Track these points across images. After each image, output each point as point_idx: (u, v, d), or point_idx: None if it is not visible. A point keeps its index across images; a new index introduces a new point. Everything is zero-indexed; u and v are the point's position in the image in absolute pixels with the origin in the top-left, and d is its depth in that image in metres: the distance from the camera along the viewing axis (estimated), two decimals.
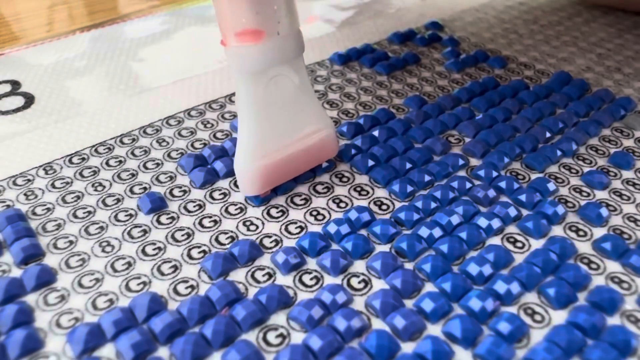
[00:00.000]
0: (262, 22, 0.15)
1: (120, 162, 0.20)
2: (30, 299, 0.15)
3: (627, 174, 0.20)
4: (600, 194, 0.19)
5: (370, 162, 0.19)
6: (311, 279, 0.16)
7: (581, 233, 0.17)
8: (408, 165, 0.19)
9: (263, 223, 0.17)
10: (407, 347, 0.14)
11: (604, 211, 0.18)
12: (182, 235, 0.17)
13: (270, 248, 0.17)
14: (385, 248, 0.17)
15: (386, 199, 0.18)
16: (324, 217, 0.18)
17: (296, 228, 0.17)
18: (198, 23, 0.30)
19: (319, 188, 0.19)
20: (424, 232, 0.17)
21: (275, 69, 0.16)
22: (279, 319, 0.15)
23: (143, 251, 0.16)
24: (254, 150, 0.17)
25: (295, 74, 0.17)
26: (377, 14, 0.31)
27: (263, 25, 0.15)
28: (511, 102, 0.23)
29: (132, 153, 0.20)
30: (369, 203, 0.18)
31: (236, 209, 0.18)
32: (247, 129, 0.17)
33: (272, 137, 0.17)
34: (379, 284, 0.16)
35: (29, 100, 0.23)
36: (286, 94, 0.17)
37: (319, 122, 0.18)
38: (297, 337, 0.14)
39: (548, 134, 0.21)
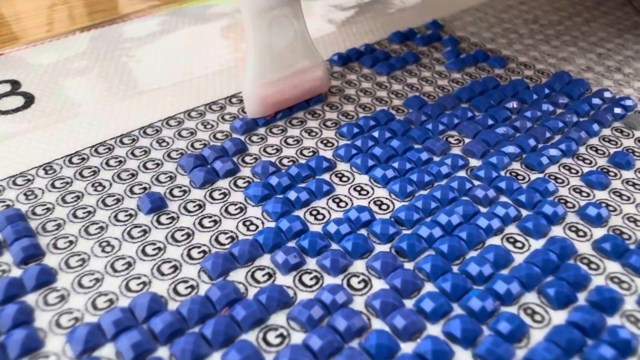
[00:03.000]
0: None
1: (120, 162, 0.20)
2: (30, 299, 0.15)
3: (627, 174, 0.20)
4: (600, 194, 0.19)
5: (371, 162, 0.19)
6: (311, 279, 0.16)
7: (581, 233, 0.17)
8: (408, 165, 0.19)
9: (263, 223, 0.17)
10: (407, 347, 0.14)
11: (603, 211, 0.18)
12: (182, 235, 0.17)
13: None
14: (385, 248, 0.17)
15: (386, 198, 0.18)
16: (324, 217, 0.18)
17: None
18: (198, 23, 0.30)
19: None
20: (424, 231, 0.17)
21: (277, 11, 0.20)
22: (279, 319, 0.15)
23: (143, 251, 0.16)
24: (259, 78, 0.21)
25: (294, 16, 0.21)
26: (377, 14, 0.31)
27: None
28: (511, 102, 0.23)
29: (132, 153, 0.20)
30: (369, 202, 0.18)
31: (236, 209, 0.18)
32: (254, 61, 0.20)
33: (274, 69, 0.21)
34: (379, 284, 0.16)
35: (29, 100, 0.23)
36: (287, 33, 0.21)
37: (313, 60, 0.22)
38: (297, 337, 0.14)
39: (548, 134, 0.21)
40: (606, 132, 0.22)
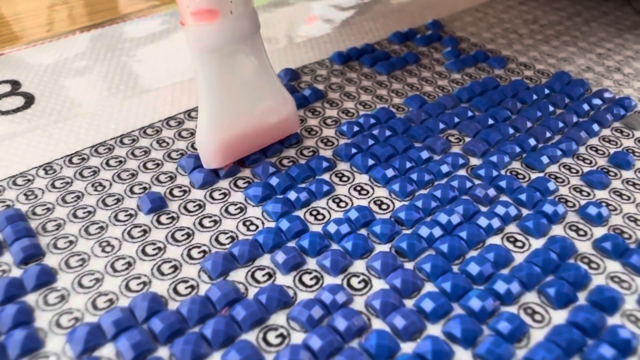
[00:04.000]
0: (215, 1, 0.16)
1: (121, 162, 0.20)
2: (30, 299, 0.15)
3: (627, 174, 0.20)
4: (600, 194, 0.19)
5: (370, 161, 0.19)
6: (311, 279, 0.16)
7: (581, 232, 0.17)
8: (408, 165, 0.19)
9: (263, 223, 0.17)
10: (407, 347, 0.14)
11: (604, 211, 0.18)
12: (182, 235, 0.17)
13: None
14: (385, 248, 0.17)
15: (386, 198, 0.18)
16: (324, 217, 0.18)
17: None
18: None
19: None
20: (424, 231, 0.17)
21: (231, 47, 0.17)
22: (279, 319, 0.15)
23: (143, 251, 0.16)
24: (213, 125, 0.18)
25: (251, 51, 0.18)
26: (377, 14, 0.31)
27: (216, 5, 0.17)
28: (511, 102, 0.23)
29: (132, 153, 0.20)
30: (369, 202, 0.18)
31: (236, 209, 0.18)
32: (206, 105, 0.18)
33: (231, 113, 0.18)
34: (379, 284, 0.16)
35: (29, 100, 0.23)
36: (244, 71, 0.18)
37: (279, 98, 0.19)
38: (297, 337, 0.14)
39: (548, 134, 0.21)
40: (606, 132, 0.22)
